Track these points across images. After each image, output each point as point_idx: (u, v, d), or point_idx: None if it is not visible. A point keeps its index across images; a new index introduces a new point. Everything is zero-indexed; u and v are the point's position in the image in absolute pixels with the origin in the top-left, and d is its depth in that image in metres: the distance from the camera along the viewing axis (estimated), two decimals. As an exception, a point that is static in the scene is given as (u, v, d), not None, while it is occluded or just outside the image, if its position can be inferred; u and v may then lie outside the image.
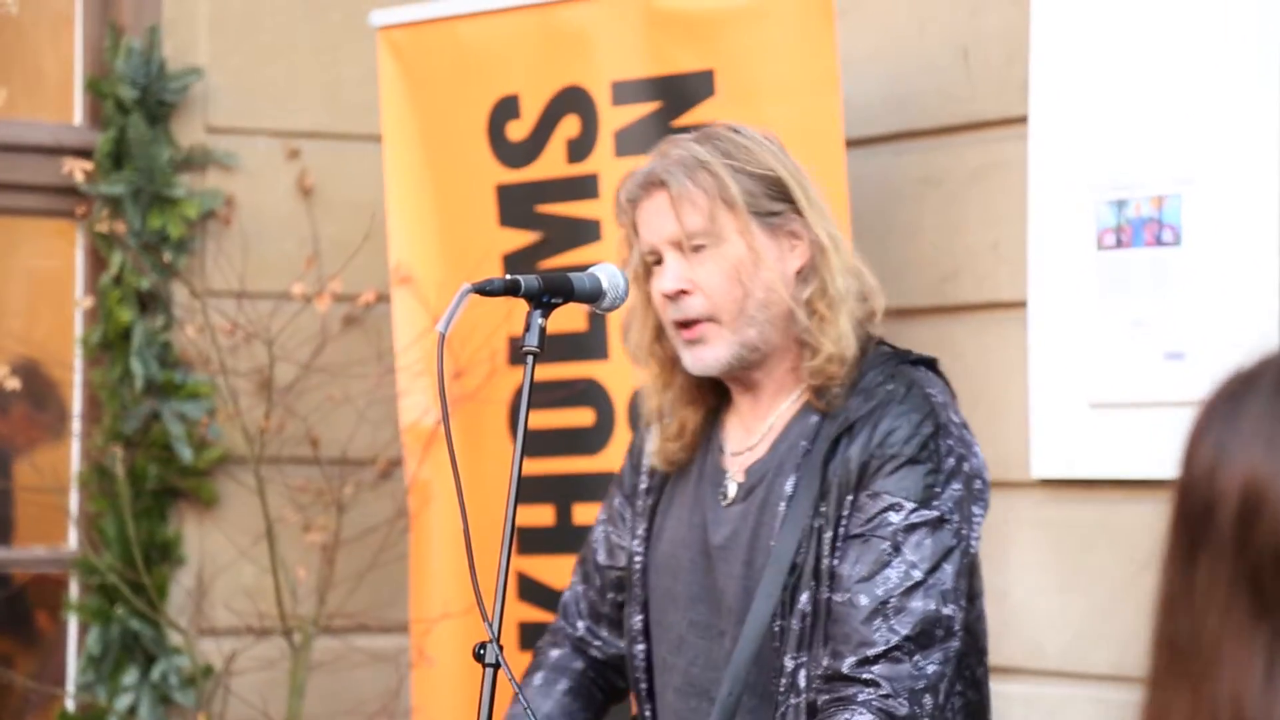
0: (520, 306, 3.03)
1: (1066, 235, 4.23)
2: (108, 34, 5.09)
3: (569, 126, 4.51)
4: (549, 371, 4.48)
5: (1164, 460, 4.08)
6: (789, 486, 3.06)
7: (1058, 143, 4.24)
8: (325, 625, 5.05)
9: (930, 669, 2.95)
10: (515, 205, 4.60)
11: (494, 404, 4.65)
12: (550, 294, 3.02)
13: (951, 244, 4.47)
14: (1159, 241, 4.09)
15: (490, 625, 2.87)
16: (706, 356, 3.10)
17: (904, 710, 2.92)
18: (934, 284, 4.51)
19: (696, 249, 3.08)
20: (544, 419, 4.53)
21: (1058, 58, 4.23)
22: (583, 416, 4.54)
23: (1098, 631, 4.23)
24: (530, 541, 4.55)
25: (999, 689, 4.26)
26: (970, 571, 3.07)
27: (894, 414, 3.02)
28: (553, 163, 4.54)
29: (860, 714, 2.92)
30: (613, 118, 4.43)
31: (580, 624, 3.36)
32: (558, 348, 4.38)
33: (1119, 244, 4.15)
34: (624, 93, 4.42)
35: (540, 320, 3.00)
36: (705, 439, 3.22)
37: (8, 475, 5.42)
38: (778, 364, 3.13)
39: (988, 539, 4.36)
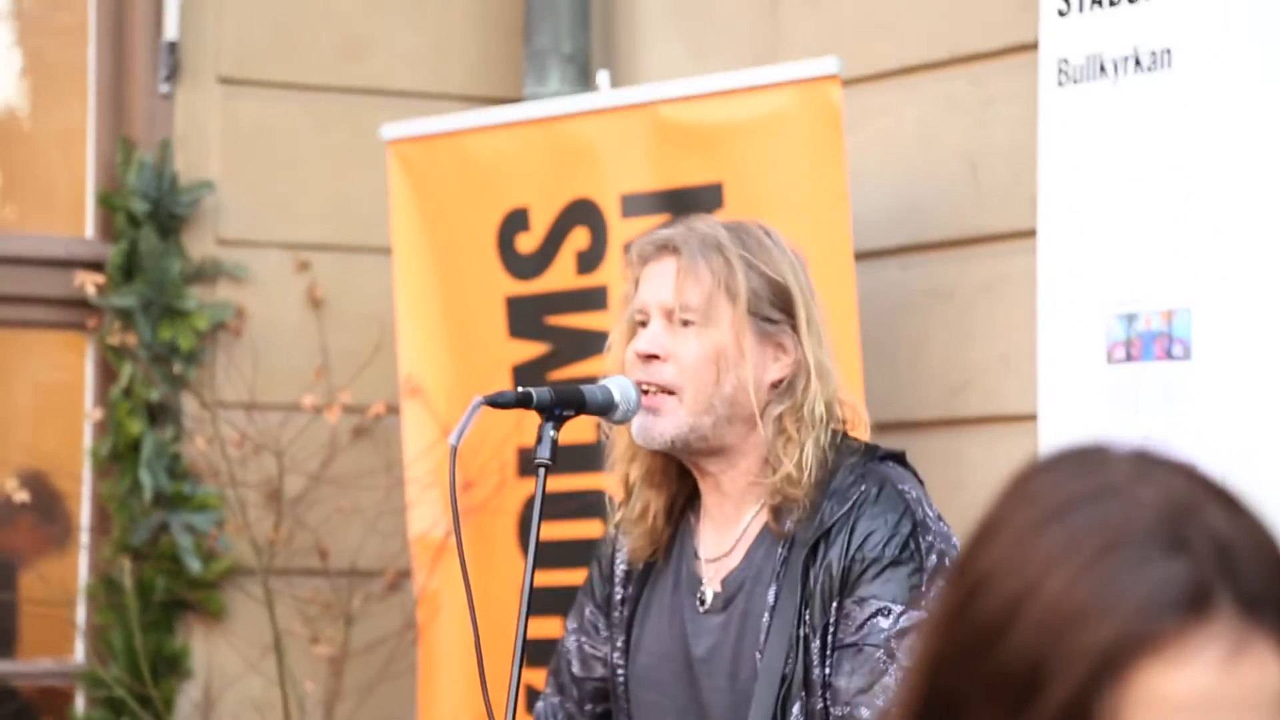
0: (529, 418, 3.03)
1: (1076, 348, 4.23)
2: (119, 148, 5.12)
3: (578, 238, 4.54)
4: (558, 483, 4.45)
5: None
6: (771, 596, 3.04)
7: (1067, 256, 4.25)
8: (333, 739, 5.02)
9: None
10: (525, 317, 4.62)
11: (503, 515, 4.65)
12: (562, 406, 3.02)
13: (961, 357, 4.48)
14: (1169, 355, 4.10)
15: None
16: (654, 428, 3.08)
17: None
18: (943, 397, 4.51)
19: (685, 324, 3.07)
20: (554, 531, 4.51)
21: (1066, 171, 4.25)
22: (591, 528, 4.53)
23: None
24: (541, 654, 4.52)
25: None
26: None
27: (870, 515, 3.01)
28: (562, 274, 4.56)
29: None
30: (622, 230, 4.45)
31: None
32: (567, 459, 4.34)
33: (1129, 358, 4.15)
34: (633, 205, 4.44)
35: (552, 432, 3.01)
36: (679, 543, 3.20)
37: (14, 587, 5.41)
38: (736, 465, 3.11)
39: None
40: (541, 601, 4.46)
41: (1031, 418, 4.32)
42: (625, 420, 3.10)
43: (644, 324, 3.12)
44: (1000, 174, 4.41)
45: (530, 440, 3.01)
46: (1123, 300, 4.16)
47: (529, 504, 4.59)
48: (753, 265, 3.08)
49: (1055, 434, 4.27)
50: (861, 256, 4.45)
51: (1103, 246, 4.19)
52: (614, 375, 3.11)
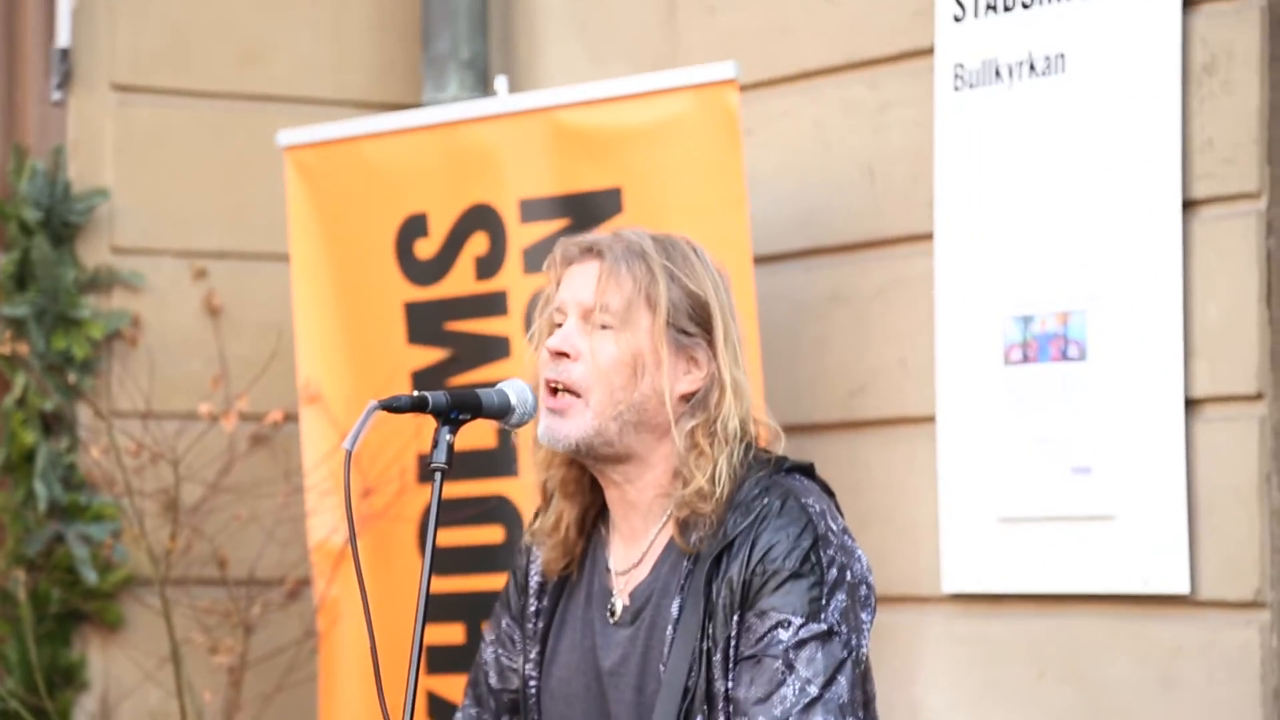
0: (429, 424, 3.01)
1: (973, 350, 4.25)
2: (11, 155, 5.08)
3: (477, 244, 4.53)
4: (458, 489, 4.47)
5: (1073, 574, 4.10)
6: (674, 609, 3.04)
7: (963, 259, 4.27)
8: (233, 749, 4.99)
9: None
10: (424, 322, 4.61)
11: (403, 522, 4.63)
12: (458, 410, 3.00)
13: (859, 360, 4.50)
14: (1065, 357, 4.13)
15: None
16: (559, 429, 3.07)
17: (817, 833, 2.91)
18: (842, 399, 4.52)
19: (602, 327, 3.07)
20: (453, 536, 4.51)
21: (962, 175, 4.28)
22: (492, 534, 4.52)
23: (1009, 746, 4.24)
24: (440, 660, 4.52)
25: (911, 807, 4.27)
26: (863, 678, 3.05)
27: (772, 528, 3.00)
28: (461, 280, 4.55)
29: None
30: (521, 235, 4.45)
31: None
32: (467, 465, 4.36)
33: (1025, 359, 4.18)
34: (532, 210, 4.44)
35: (449, 436, 2.98)
36: (591, 556, 3.20)
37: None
38: (642, 476, 3.10)
39: (899, 654, 4.37)
40: (441, 607, 4.48)
41: (930, 419, 4.34)
42: (522, 424, 3.08)
43: (561, 324, 3.11)
44: (897, 178, 4.43)
45: (429, 446, 3.00)
46: (1019, 302, 4.19)
47: (429, 510, 4.59)
48: (675, 277, 3.08)
49: (954, 436, 4.30)
50: (761, 260, 4.46)
51: (999, 250, 4.22)
52: (510, 379, 3.10)
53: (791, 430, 4.48)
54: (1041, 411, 4.15)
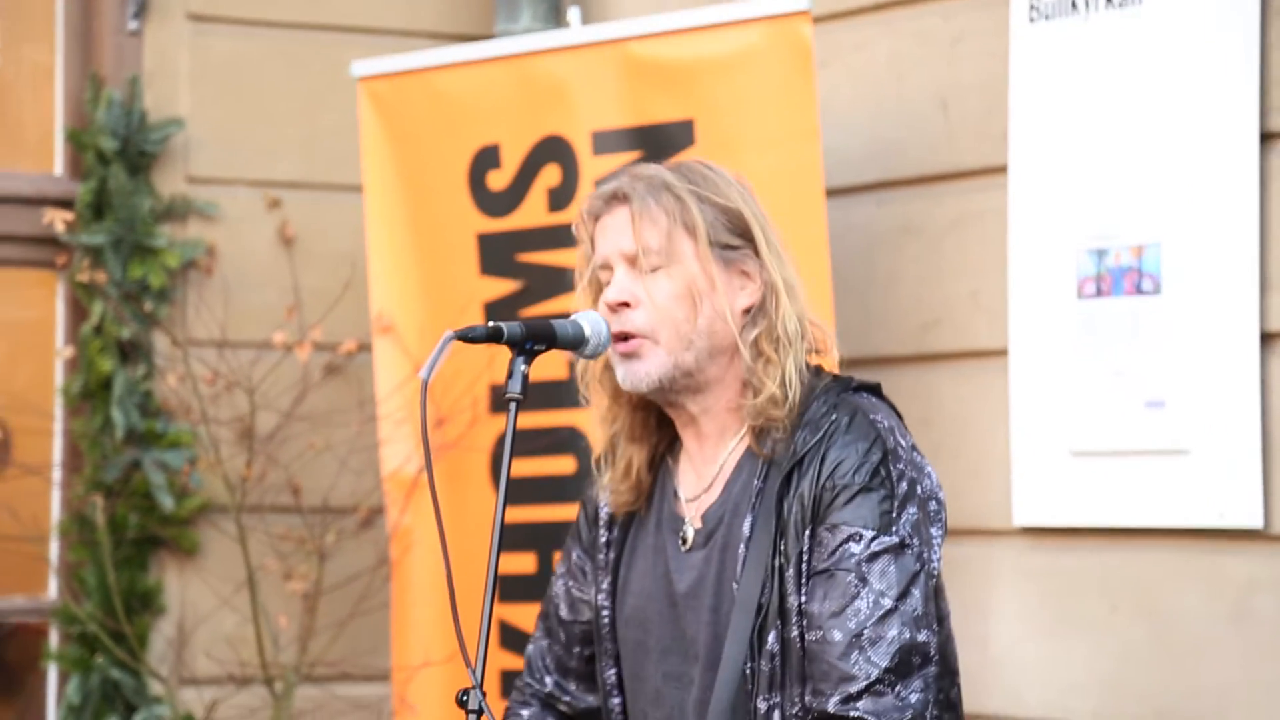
0: (501, 355, 3.03)
1: (1046, 284, 4.24)
2: (88, 85, 5.11)
3: (549, 176, 4.53)
4: (530, 419, 4.49)
5: (1146, 508, 4.10)
6: (746, 527, 3.06)
7: (1037, 192, 4.26)
8: (307, 674, 5.04)
9: (913, 698, 2.95)
10: (496, 254, 4.62)
11: (476, 452, 4.66)
12: (533, 341, 3.02)
13: (931, 293, 4.49)
14: (1139, 290, 4.11)
15: (474, 672, 2.87)
16: (639, 371, 3.08)
17: (896, 743, 2.93)
18: (914, 333, 4.52)
19: (650, 269, 3.08)
20: (525, 467, 4.54)
21: (1037, 108, 4.26)
22: (564, 464, 4.54)
23: (1080, 679, 4.24)
24: (512, 589, 4.55)
25: (980, 738, 4.28)
26: (936, 594, 3.07)
27: (841, 444, 3.02)
28: (533, 212, 4.56)
29: (856, 753, 2.92)
30: (593, 167, 4.45)
31: (548, 679, 3.35)
32: (539, 396, 4.38)
33: (1099, 293, 4.17)
34: (604, 142, 4.44)
35: (523, 367, 3.00)
36: (659, 486, 3.22)
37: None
38: (717, 399, 3.12)
39: (969, 587, 4.38)
40: (512, 537, 4.51)
41: (1002, 353, 4.34)
42: (596, 355, 3.10)
43: (608, 279, 3.12)
44: (971, 111, 4.42)
45: (502, 377, 3.01)
46: (1093, 235, 4.17)
47: (501, 440, 4.62)
48: (704, 198, 3.09)
49: (1026, 369, 4.29)
50: (834, 193, 4.45)
51: (1073, 183, 4.20)
52: (584, 310, 3.11)
53: (864, 363, 4.52)
54: (1115, 345, 4.14)
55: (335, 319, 5.07)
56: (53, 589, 5.16)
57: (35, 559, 5.16)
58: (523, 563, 4.57)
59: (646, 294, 3.07)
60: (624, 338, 3.08)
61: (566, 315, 3.09)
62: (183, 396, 5.04)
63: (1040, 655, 4.30)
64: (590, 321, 3.08)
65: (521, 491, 4.53)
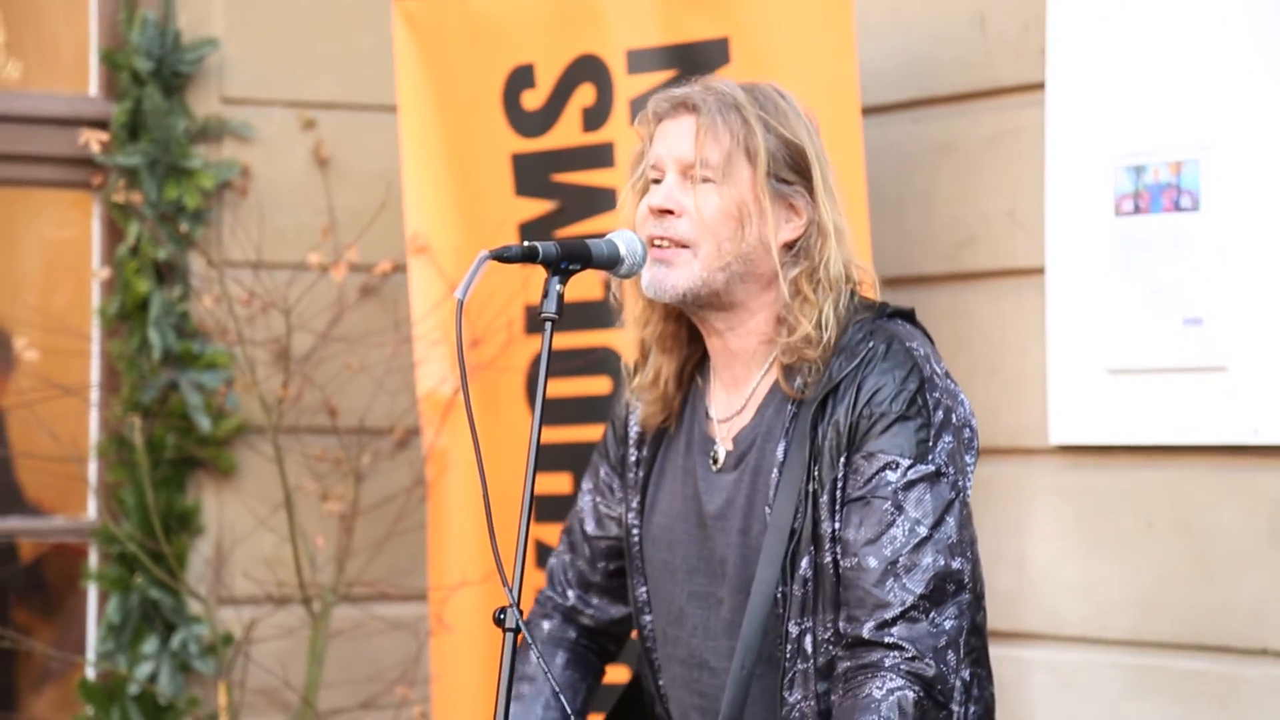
0: (536, 276, 3.03)
1: (1084, 201, 4.22)
2: (122, 6, 5.10)
3: (584, 95, 4.52)
4: (565, 340, 4.49)
5: (1183, 426, 4.09)
6: (780, 452, 3.06)
7: (1075, 109, 4.23)
8: (344, 593, 5.06)
9: (948, 625, 2.96)
10: (531, 174, 4.61)
11: (511, 372, 4.66)
12: (568, 260, 3.01)
13: (968, 211, 4.47)
14: (1177, 207, 4.09)
15: (510, 590, 2.88)
16: (666, 280, 3.08)
17: (931, 671, 2.94)
18: (950, 251, 4.51)
19: (703, 181, 3.07)
20: (561, 387, 4.54)
21: (1075, 23, 4.22)
22: (599, 385, 4.54)
23: (1117, 597, 4.24)
24: (547, 509, 4.56)
25: (1018, 655, 4.29)
26: (967, 520, 3.07)
27: (878, 371, 3.02)
28: (568, 131, 4.54)
29: (890, 679, 2.93)
30: (628, 86, 4.43)
31: (570, 593, 3.37)
32: (574, 316, 4.38)
33: (1137, 210, 4.15)
34: (639, 61, 4.42)
35: (559, 287, 2.99)
36: (690, 406, 3.22)
37: (25, 445, 5.44)
38: (744, 324, 3.12)
39: (1006, 506, 4.38)
40: (549, 457, 4.51)
41: (1039, 271, 4.32)
42: (631, 274, 3.10)
43: (657, 180, 3.11)
44: (1009, 27, 4.38)
45: (537, 297, 3.01)
46: (1131, 152, 4.15)
47: (536, 361, 4.61)
48: (771, 127, 3.08)
49: (1063, 287, 4.28)
50: (869, 111, 4.43)
51: (1111, 99, 4.18)
52: (619, 229, 3.11)
53: (899, 282, 4.50)
54: (1153, 263, 4.13)
55: (370, 240, 5.07)
56: (92, 509, 5.19)
57: (74, 479, 5.18)
58: (558, 483, 4.57)
59: (695, 205, 3.06)
60: (661, 244, 3.07)
61: (602, 235, 3.09)
62: (219, 318, 5.05)
63: (1076, 574, 4.30)
64: (626, 241, 3.07)
65: (557, 412, 4.54)
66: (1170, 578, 4.15)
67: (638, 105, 4.38)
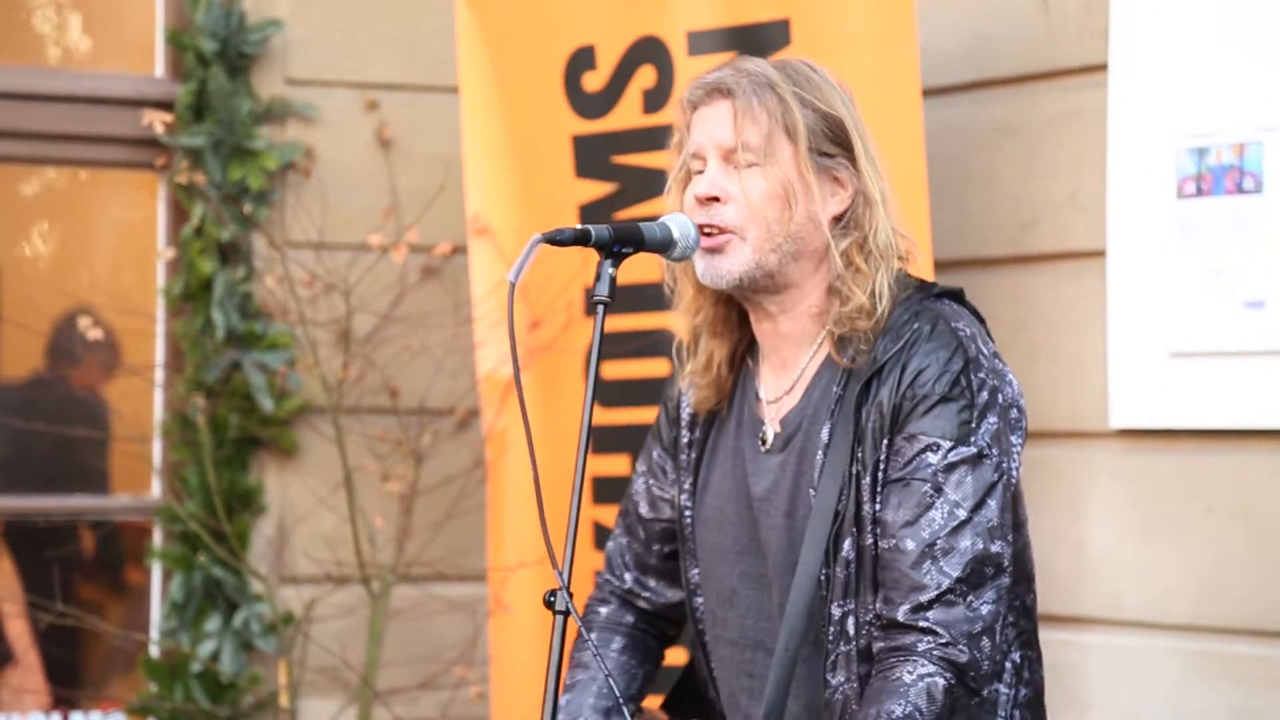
0: (596, 257, 3.02)
1: (1146, 184, 4.19)
2: (188, -14, 5.12)
3: (645, 77, 4.51)
4: (624, 322, 4.49)
5: (1244, 410, 4.06)
6: (825, 434, 3.05)
7: (1137, 90, 4.20)
8: (404, 574, 5.08)
9: (984, 609, 2.94)
10: (591, 156, 4.61)
11: (570, 354, 4.66)
12: (620, 243, 3.00)
13: (1029, 193, 4.45)
14: (1240, 189, 4.06)
15: (560, 573, 2.88)
16: (720, 267, 3.07)
17: (964, 657, 2.92)
18: (1012, 234, 4.48)
19: (746, 165, 3.06)
20: (619, 369, 4.54)
21: (1137, 4, 4.19)
22: (658, 367, 4.54)
23: (1177, 582, 4.21)
24: (605, 491, 4.57)
25: (1077, 639, 4.28)
26: (1014, 501, 3.05)
27: (922, 352, 3.00)
28: (629, 113, 4.54)
29: (921, 665, 2.91)
30: (688, 67, 4.42)
31: (627, 575, 3.36)
32: (632, 298, 4.37)
33: (1199, 192, 4.12)
34: (700, 42, 4.41)
35: (611, 270, 2.99)
36: (740, 387, 3.21)
37: (91, 424, 5.48)
38: (797, 303, 3.10)
39: (1065, 489, 4.36)
40: (608, 440, 4.51)
41: (1100, 254, 4.29)
42: (684, 257, 3.09)
43: (699, 169, 3.10)
44: (1071, 7, 4.35)
45: (591, 280, 3.01)
46: (1193, 134, 4.12)
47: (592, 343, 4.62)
48: (807, 102, 3.07)
49: (1124, 270, 4.25)
50: (930, 93, 4.41)
51: (1174, 80, 4.14)
52: (673, 212, 3.10)
53: (960, 264, 4.49)
54: (1215, 245, 4.10)
55: (432, 221, 5.08)
56: (156, 488, 5.22)
57: (139, 458, 5.22)
58: (615, 465, 4.57)
59: (740, 190, 3.05)
60: (710, 231, 3.07)
61: (657, 218, 3.09)
62: (281, 298, 5.07)
63: (1136, 558, 4.28)
64: (679, 224, 3.07)
65: (614, 394, 4.54)
66: (1230, 562, 4.12)
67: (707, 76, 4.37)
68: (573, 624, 2.87)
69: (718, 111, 3.09)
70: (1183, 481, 4.21)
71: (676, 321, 3.36)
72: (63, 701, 5.29)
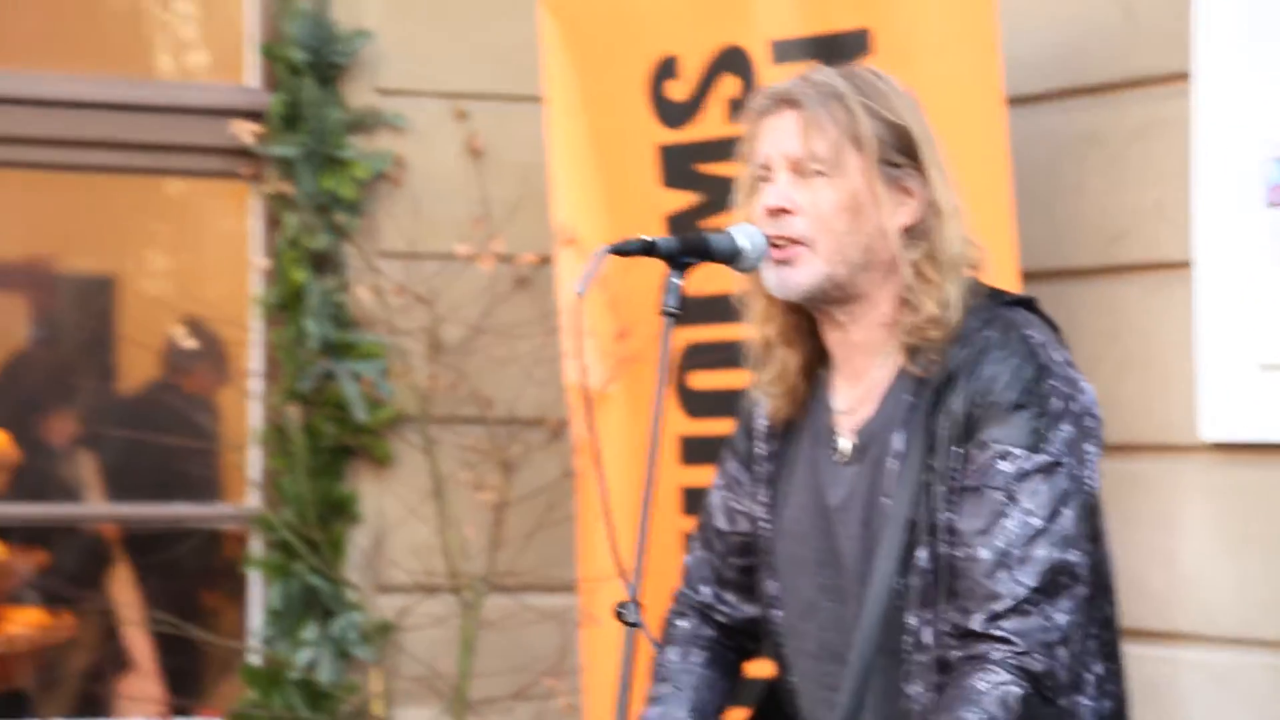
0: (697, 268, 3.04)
1: (1233, 193, 4.14)
2: (279, -2, 5.16)
3: (728, 86, 4.50)
4: (712, 332, 4.47)
5: (1335, 423, 4.00)
6: (898, 443, 3.03)
7: (1223, 98, 4.15)
8: (496, 583, 5.08)
9: (1061, 619, 2.92)
10: (677, 165, 4.60)
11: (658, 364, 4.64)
12: (687, 254, 3.01)
13: (1117, 203, 4.40)
14: (1331, 198, 4.01)
15: (630, 585, 2.88)
16: (790, 279, 3.05)
17: (1039, 666, 2.90)
18: (1099, 245, 4.44)
19: (814, 174, 3.05)
20: (707, 380, 4.53)
21: (1222, 11, 4.14)
22: (744, 378, 4.52)
23: (1270, 598, 4.16)
24: (694, 503, 4.55)
25: (1170, 655, 4.23)
26: (1092, 511, 3.02)
27: (993, 360, 2.98)
28: (713, 123, 4.53)
29: (995, 673, 2.89)
30: (772, 77, 4.39)
31: (705, 589, 3.35)
32: (721, 308, 4.34)
33: (1289, 201, 4.07)
34: (783, 51, 4.39)
35: (677, 281, 3.00)
36: (814, 398, 3.19)
37: (189, 433, 5.54)
38: (867, 314, 3.08)
39: (1156, 502, 4.31)
40: (697, 451, 4.50)
41: (1187, 265, 4.24)
42: (752, 268, 3.08)
43: (766, 179, 3.09)
44: (1156, 15, 4.31)
45: (689, 289, 3.01)
46: (1281, 143, 4.07)
47: (684, 353, 4.61)
48: (874, 112, 3.05)
49: (1213, 281, 4.20)
50: (1016, 101, 4.37)
51: (1260, 87, 4.09)
52: (741, 223, 3.09)
53: (1049, 275, 4.45)
54: (1305, 256, 4.04)
55: (521, 231, 5.08)
56: (253, 497, 5.26)
57: (237, 467, 5.26)
58: (705, 476, 4.53)
59: (809, 201, 3.04)
60: (780, 244, 3.06)
61: (722, 230, 3.08)
62: (372, 308, 5.09)
63: (1228, 574, 4.22)
64: (747, 235, 3.06)
65: (704, 404, 4.53)
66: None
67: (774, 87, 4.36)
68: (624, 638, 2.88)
69: (785, 122, 3.08)
70: (1275, 495, 4.15)
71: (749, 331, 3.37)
72: (179, 710, 5.34)
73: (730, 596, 3.33)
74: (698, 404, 4.56)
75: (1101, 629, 3.06)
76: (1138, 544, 4.29)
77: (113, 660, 6.15)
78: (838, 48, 4.28)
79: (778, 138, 3.07)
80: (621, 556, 3.00)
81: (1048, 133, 4.50)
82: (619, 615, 2.90)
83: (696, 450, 4.52)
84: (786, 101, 3.08)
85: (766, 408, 3.24)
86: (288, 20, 5.11)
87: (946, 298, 3.03)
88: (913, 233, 3.06)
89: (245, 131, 5.03)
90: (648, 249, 3.00)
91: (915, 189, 3.06)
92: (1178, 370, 4.28)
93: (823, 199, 3.04)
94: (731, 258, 3.05)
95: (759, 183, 3.11)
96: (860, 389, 3.12)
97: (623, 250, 2.99)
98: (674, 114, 4.60)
